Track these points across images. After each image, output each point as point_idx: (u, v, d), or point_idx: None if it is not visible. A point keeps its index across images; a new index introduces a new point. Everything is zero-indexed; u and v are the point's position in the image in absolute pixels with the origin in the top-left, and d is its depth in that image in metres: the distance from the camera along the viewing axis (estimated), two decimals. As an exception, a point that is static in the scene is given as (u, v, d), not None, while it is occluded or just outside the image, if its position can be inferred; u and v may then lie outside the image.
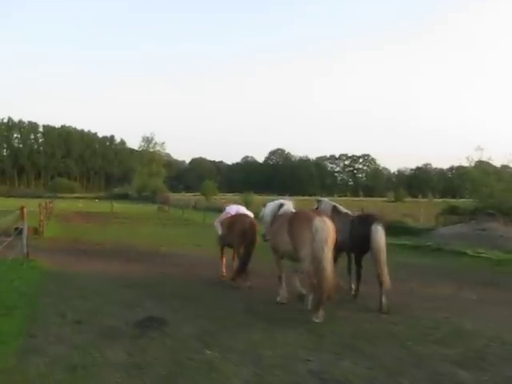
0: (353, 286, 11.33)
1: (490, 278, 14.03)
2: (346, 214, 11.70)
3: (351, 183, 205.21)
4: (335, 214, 11.46)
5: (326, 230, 9.10)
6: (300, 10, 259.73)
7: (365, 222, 10.65)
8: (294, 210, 10.71)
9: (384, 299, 9.91)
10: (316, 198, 13.13)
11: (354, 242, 10.79)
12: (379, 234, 10.23)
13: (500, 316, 9.67)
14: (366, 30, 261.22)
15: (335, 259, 10.19)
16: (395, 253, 18.22)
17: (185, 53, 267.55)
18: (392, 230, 26.02)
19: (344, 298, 10.75)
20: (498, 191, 24.61)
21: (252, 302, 10.18)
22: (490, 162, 27.19)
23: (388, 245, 18.80)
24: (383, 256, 10.18)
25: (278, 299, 10.30)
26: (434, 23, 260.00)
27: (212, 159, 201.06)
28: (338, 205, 12.12)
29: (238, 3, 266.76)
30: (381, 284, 10.04)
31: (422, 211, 30.99)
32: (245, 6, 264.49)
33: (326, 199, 12.76)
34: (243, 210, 13.57)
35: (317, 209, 11.73)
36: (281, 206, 11.06)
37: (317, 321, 8.73)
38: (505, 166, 28.71)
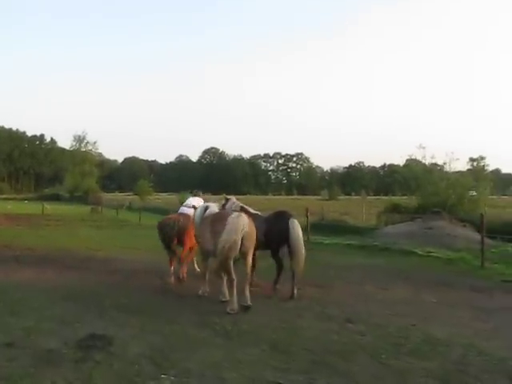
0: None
1: (444, 278, 13.72)
2: (256, 213, 12.15)
3: (285, 182, 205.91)
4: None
5: (243, 225, 9.65)
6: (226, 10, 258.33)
7: (281, 218, 11.43)
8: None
9: (295, 290, 10.83)
10: (225, 196, 12.89)
11: (272, 239, 11.22)
12: (296, 228, 11.05)
13: (465, 320, 9.28)
14: (290, 27, 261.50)
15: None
16: (343, 253, 17.83)
17: (117, 49, 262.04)
18: (334, 229, 25.81)
19: (300, 305, 10.09)
20: (441, 189, 24.59)
21: (205, 314, 9.31)
22: (433, 160, 27.09)
23: (333, 245, 18.58)
24: (301, 248, 10.93)
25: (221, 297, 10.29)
26: (357, 23, 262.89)
27: (145, 158, 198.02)
28: (245, 205, 12.46)
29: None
30: (293, 274, 10.92)
31: (364, 210, 30.81)
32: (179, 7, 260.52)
33: (233, 198, 12.88)
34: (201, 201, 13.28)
35: (223, 206, 12.27)
36: (207, 208, 11.65)
37: (231, 312, 9.34)
38: (433, 165, 28.76)
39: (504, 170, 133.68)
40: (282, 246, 11.39)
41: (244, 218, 9.88)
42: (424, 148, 26.85)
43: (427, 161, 27.02)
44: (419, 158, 27.24)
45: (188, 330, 8.17)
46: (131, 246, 20.63)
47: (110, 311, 9.32)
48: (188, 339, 7.66)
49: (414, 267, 15.57)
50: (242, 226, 9.60)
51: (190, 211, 12.91)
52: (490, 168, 26.90)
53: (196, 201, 13.47)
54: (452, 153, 26.82)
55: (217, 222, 10.20)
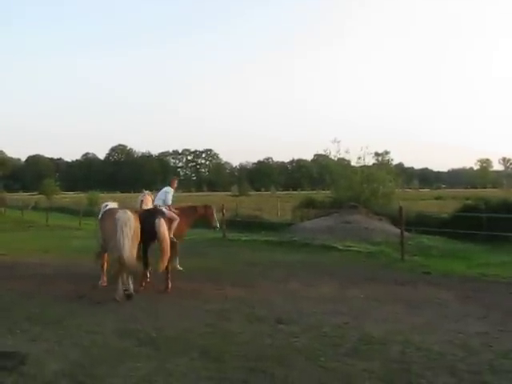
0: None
1: (367, 273, 13.65)
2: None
3: (194, 178, 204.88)
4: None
5: (127, 220, 10.40)
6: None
7: (151, 215, 11.78)
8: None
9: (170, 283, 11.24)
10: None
11: (143, 234, 11.28)
12: (162, 226, 11.44)
13: (395, 315, 9.10)
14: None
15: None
16: (262, 250, 17.50)
17: (17, 42, 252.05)
18: (249, 225, 25.45)
19: (226, 307, 9.63)
20: (355, 183, 24.72)
21: (127, 321, 8.66)
22: (347, 154, 27.15)
23: (252, 241, 18.18)
24: (166, 245, 11.32)
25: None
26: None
27: (50, 156, 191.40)
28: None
29: None
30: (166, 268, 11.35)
31: (278, 205, 30.69)
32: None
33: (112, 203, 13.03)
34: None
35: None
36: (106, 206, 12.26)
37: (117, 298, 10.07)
38: (342, 159, 28.98)
39: (406, 165, 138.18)
40: (151, 243, 11.93)
41: (129, 214, 10.69)
42: (338, 142, 26.89)
43: (341, 155, 27.05)
44: (333, 152, 27.23)
45: (110, 341, 7.53)
46: (40, 248, 19.38)
47: (20, 324, 8.46)
48: (111, 351, 7.03)
49: (336, 262, 15.44)
50: (127, 222, 10.41)
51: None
52: (394, 162, 27.16)
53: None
54: (366, 147, 27.06)
55: (105, 218, 11.20)
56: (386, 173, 26.74)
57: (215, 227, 13.96)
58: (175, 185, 13.87)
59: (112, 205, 12.51)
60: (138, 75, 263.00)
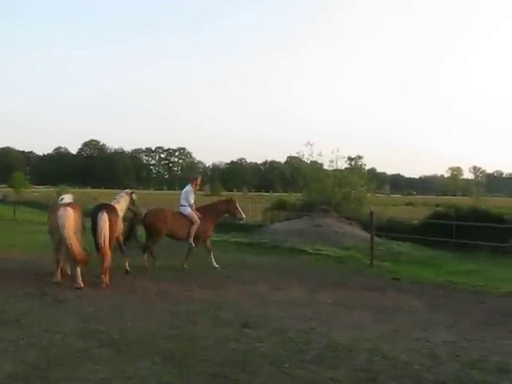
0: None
1: (336, 277, 13.59)
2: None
3: (167, 176, 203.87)
4: None
5: (66, 216, 10.99)
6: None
7: (95, 209, 12.14)
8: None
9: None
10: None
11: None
12: (101, 220, 11.65)
13: (363, 322, 8.99)
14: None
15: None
16: (231, 251, 17.33)
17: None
18: (219, 225, 25.17)
19: (192, 309, 9.45)
20: (327, 186, 24.67)
21: (88, 320, 8.41)
22: (320, 157, 27.05)
23: (221, 242, 17.94)
24: (101, 237, 11.54)
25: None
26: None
27: (21, 149, 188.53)
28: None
29: None
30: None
31: (250, 206, 30.47)
32: None
33: (68, 195, 13.62)
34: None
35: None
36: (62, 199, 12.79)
37: (77, 286, 10.79)
38: (314, 162, 28.97)
39: (378, 170, 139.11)
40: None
41: (70, 211, 11.25)
42: (312, 145, 26.81)
43: (314, 158, 26.93)
44: (306, 154, 27.11)
45: (69, 341, 7.26)
46: (5, 242, 18.89)
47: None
48: (70, 352, 6.76)
49: (305, 266, 15.35)
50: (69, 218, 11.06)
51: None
52: (367, 167, 27.17)
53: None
54: (337, 151, 27.02)
55: (51, 214, 12.18)
56: (359, 177, 26.75)
57: (241, 219, 14.92)
58: (197, 184, 14.80)
59: (67, 199, 12.82)
60: (113, 71, 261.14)
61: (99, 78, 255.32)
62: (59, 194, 47.13)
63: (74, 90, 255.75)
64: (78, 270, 11.10)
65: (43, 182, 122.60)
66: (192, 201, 14.19)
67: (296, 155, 28.85)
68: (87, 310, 9.15)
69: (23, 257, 15.43)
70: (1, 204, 48.23)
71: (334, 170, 27.00)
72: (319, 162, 28.04)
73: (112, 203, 12.99)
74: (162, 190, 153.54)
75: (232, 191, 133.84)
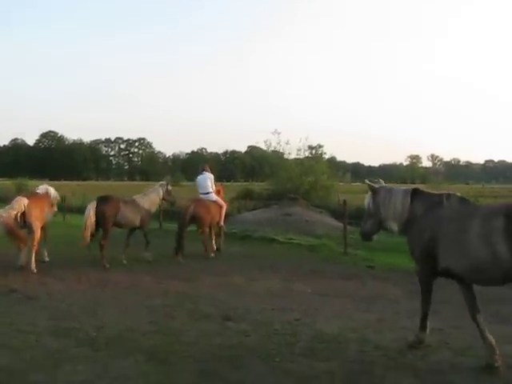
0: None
1: (311, 266, 13.31)
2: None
3: (127, 167, 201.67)
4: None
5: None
6: None
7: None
8: None
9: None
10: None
11: None
12: (88, 209, 12.79)
13: (346, 311, 8.77)
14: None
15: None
16: (200, 241, 16.87)
17: None
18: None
19: (168, 303, 9.09)
20: (295, 175, 24.42)
21: (62, 318, 7.95)
22: (288, 145, 26.73)
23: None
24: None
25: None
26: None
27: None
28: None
29: None
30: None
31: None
32: None
33: (43, 186, 14.12)
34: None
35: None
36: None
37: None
38: (274, 151, 28.77)
39: (338, 158, 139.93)
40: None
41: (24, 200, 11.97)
42: (279, 133, 26.47)
43: (282, 146, 26.60)
44: (274, 143, 26.74)
45: (44, 341, 6.82)
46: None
47: None
48: (46, 353, 6.33)
49: (278, 255, 15.03)
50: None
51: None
52: (327, 156, 26.86)
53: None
54: (306, 139, 26.78)
55: None
56: (325, 166, 26.56)
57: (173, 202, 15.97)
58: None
59: (42, 188, 13.67)
60: (72, 60, 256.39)
61: (58, 66, 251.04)
62: (17, 187, 46.46)
63: (32, 79, 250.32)
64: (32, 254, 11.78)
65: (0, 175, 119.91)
66: (214, 187, 15.44)
67: (258, 144, 28.36)
68: (59, 306, 8.68)
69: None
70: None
71: (296, 159, 26.72)
72: (281, 150, 27.70)
73: (139, 196, 14.09)
74: (123, 180, 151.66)
75: (193, 181, 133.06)
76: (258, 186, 31.76)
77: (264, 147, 26.90)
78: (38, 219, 12.14)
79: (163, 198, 14.65)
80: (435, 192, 7.12)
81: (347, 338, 7.15)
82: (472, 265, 5.96)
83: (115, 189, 50.00)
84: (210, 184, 15.44)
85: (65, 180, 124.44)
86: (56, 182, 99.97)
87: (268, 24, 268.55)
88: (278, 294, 9.96)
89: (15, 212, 11.65)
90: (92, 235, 12.84)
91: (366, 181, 7.58)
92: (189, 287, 10.45)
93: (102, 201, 13.02)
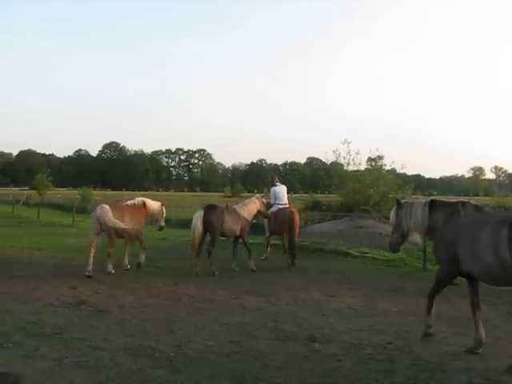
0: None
1: (391, 282, 12.51)
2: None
3: (187, 178, 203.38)
4: None
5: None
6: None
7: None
8: None
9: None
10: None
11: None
12: (196, 217, 13.10)
13: (442, 334, 7.96)
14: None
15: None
16: (271, 254, 16.30)
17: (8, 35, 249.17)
18: (251, 227, 24.28)
19: (247, 320, 8.47)
20: (365, 186, 23.51)
21: (138, 335, 7.45)
22: (358, 155, 25.71)
23: (257, 244, 16.91)
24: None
25: None
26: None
27: (42, 152, 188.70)
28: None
29: None
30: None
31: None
32: None
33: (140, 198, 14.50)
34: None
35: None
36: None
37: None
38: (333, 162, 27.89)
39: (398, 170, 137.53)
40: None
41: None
42: (349, 143, 25.51)
43: (352, 156, 25.56)
44: (343, 153, 25.74)
45: (119, 360, 6.32)
46: (32, 245, 18.16)
47: (12, 336, 7.22)
48: (122, 374, 5.83)
49: (354, 270, 14.30)
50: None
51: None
52: (387, 168, 25.70)
53: None
54: (377, 149, 25.76)
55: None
56: (395, 178, 25.50)
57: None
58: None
59: (139, 200, 14.11)
60: (132, 73, 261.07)
61: (119, 81, 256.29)
62: (82, 197, 47.06)
63: (95, 93, 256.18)
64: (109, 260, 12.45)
65: (64, 185, 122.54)
66: None
67: (326, 154, 27.19)
68: (132, 321, 8.20)
69: (52, 261, 14.61)
70: (25, 206, 47.66)
71: (359, 170, 25.68)
72: (342, 161, 26.78)
73: (239, 206, 14.39)
74: (183, 191, 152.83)
75: (253, 192, 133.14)
76: (324, 198, 30.88)
77: (333, 157, 25.77)
78: (114, 226, 12.41)
79: (259, 210, 14.59)
80: (451, 201, 7.84)
81: (451, 367, 6.40)
82: (484, 269, 6.60)
83: (176, 199, 50.07)
84: (284, 196, 15.81)
85: (126, 190, 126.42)
86: (118, 192, 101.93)
87: (328, 34, 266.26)
88: (362, 313, 9.25)
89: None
90: (199, 245, 13.06)
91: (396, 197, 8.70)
92: (266, 303, 9.85)
93: (209, 210, 13.17)
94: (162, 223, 14.70)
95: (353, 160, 25.36)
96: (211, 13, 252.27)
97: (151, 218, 14.51)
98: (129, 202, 14.06)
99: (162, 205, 14.63)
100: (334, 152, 25.41)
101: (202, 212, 13.07)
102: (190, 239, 13.55)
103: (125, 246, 13.54)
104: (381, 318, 8.95)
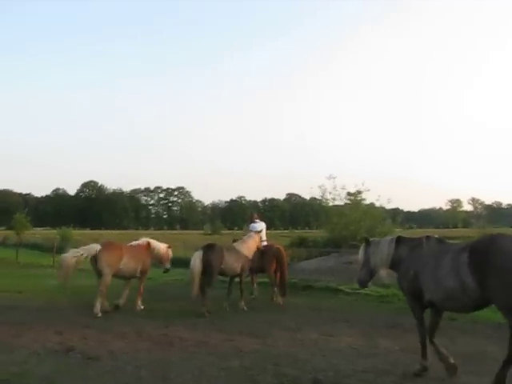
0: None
1: (386, 319, 12.19)
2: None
3: (166, 216, 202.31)
4: None
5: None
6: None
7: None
8: None
9: None
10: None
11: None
12: (195, 257, 12.73)
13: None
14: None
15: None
16: (259, 292, 15.91)
17: None
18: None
19: (246, 363, 8.05)
20: (352, 221, 23.28)
21: (130, 383, 7.01)
22: (345, 189, 25.59)
23: (246, 284, 16.48)
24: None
25: None
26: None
27: (19, 191, 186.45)
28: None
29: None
30: None
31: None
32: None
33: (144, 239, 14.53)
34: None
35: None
36: None
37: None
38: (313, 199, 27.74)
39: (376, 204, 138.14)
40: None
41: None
42: (334, 178, 25.34)
43: (338, 191, 25.36)
44: (329, 188, 25.56)
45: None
46: (11, 288, 17.47)
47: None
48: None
49: (348, 307, 13.93)
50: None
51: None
52: (366, 202, 25.50)
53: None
54: (362, 184, 25.59)
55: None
56: (381, 212, 25.37)
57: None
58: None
59: (143, 241, 14.20)
60: (108, 110, 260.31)
61: (97, 119, 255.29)
62: (62, 236, 46.27)
63: (72, 132, 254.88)
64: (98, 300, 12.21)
65: (42, 224, 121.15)
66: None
67: (312, 189, 27.11)
68: (126, 369, 7.71)
69: (35, 304, 13.99)
70: (1, 247, 46.72)
71: (356, 204, 25.51)
72: (318, 197, 26.66)
73: (238, 243, 14.19)
74: (163, 229, 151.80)
75: (232, 229, 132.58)
76: (308, 233, 30.64)
77: (319, 192, 25.54)
78: (109, 266, 12.42)
79: (258, 247, 14.51)
80: (416, 237, 8.23)
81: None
82: (446, 294, 6.98)
83: (157, 238, 49.47)
84: (264, 232, 15.94)
85: (105, 229, 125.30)
86: (97, 231, 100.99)
87: (303, 67, 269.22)
88: (363, 353, 8.90)
89: (81, 254, 12.37)
90: (201, 285, 12.68)
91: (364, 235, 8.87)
92: (263, 344, 9.45)
93: (209, 249, 12.90)
94: (168, 265, 14.50)
95: (339, 195, 25.22)
96: (185, 52, 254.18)
97: (155, 260, 14.36)
98: (133, 243, 14.00)
99: (169, 247, 14.52)
100: (319, 187, 25.20)
101: (201, 252, 12.78)
102: (187, 280, 13.56)
103: (125, 286, 13.51)
104: (384, 357, 8.62)
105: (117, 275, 12.91)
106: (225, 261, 13.03)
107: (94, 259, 12.47)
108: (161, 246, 14.21)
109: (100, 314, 12.09)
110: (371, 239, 8.89)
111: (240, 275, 13.75)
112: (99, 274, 12.53)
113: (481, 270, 6.49)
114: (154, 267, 14.72)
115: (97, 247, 12.62)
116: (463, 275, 6.67)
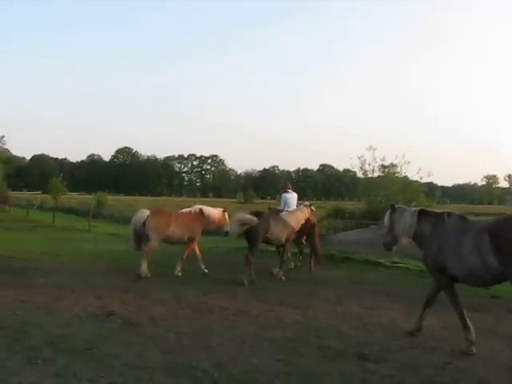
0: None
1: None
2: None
3: (199, 184, 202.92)
4: None
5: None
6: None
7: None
8: None
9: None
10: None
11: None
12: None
13: (501, 353, 7.43)
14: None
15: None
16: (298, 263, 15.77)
17: (21, 41, 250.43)
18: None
19: (289, 335, 7.90)
20: (392, 194, 22.81)
21: (177, 352, 6.91)
22: (383, 162, 25.02)
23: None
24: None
25: None
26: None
27: (55, 156, 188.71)
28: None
29: None
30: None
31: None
32: None
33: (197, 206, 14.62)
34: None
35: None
36: None
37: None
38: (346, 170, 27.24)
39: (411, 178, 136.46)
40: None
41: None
42: (374, 149, 24.80)
43: (377, 163, 24.88)
44: (369, 159, 25.03)
45: (160, 380, 5.78)
46: (50, 251, 17.61)
47: (41, 351, 6.69)
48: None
49: (388, 280, 13.71)
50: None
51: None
52: (400, 175, 24.88)
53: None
54: (403, 155, 24.95)
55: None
56: (419, 185, 24.80)
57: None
58: None
59: (196, 207, 14.26)
60: (145, 78, 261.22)
61: (131, 86, 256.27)
62: (98, 201, 46.63)
63: (107, 98, 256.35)
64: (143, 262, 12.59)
65: (76, 189, 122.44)
66: None
67: (351, 160, 26.46)
68: (167, 336, 7.65)
69: (73, 267, 14.07)
70: (39, 210, 47.30)
71: (371, 178, 24.93)
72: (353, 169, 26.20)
73: (286, 213, 14.09)
74: (196, 197, 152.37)
75: (265, 199, 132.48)
76: (346, 205, 30.26)
77: (359, 163, 24.96)
78: (156, 231, 12.78)
79: (307, 219, 14.32)
80: (438, 211, 8.45)
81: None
82: (469, 271, 7.32)
83: (191, 205, 49.42)
84: (296, 203, 15.67)
85: (139, 195, 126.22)
86: (131, 197, 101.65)
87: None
88: (408, 329, 8.62)
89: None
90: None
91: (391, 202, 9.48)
92: (304, 316, 9.29)
93: (256, 217, 12.74)
94: (227, 229, 14.29)
95: (378, 166, 24.71)
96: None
97: (213, 226, 14.55)
98: (184, 210, 14.13)
99: (224, 211, 14.44)
100: (359, 158, 24.69)
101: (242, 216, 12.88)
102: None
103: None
104: (428, 334, 8.36)
105: (164, 241, 13.31)
106: (270, 230, 12.86)
107: (143, 224, 12.73)
108: (215, 212, 14.17)
109: (149, 275, 12.54)
110: (396, 206, 8.95)
111: (284, 245, 13.58)
112: (147, 239, 12.79)
113: (502, 250, 6.81)
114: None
115: (146, 212, 12.95)
116: (485, 254, 6.99)
